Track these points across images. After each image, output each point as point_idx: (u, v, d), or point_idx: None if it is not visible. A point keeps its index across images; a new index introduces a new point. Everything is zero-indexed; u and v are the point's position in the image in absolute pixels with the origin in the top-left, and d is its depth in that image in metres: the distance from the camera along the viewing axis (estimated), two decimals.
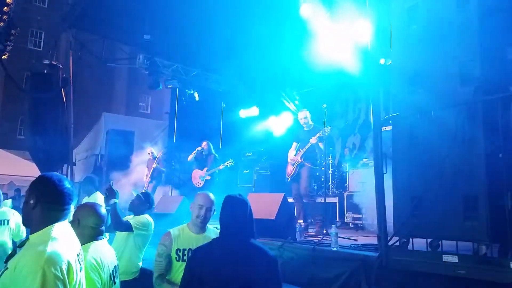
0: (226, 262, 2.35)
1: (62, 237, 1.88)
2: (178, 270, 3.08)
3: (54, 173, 2.07)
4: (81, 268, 1.94)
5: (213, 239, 2.63)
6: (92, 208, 2.81)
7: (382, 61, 5.87)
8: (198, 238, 3.14)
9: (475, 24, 3.66)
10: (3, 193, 11.04)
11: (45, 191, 1.94)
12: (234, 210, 2.58)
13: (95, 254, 2.58)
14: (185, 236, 3.17)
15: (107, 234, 6.45)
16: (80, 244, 2.09)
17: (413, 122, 3.98)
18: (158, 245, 3.22)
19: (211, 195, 3.26)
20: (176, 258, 3.10)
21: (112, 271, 2.71)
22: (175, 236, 3.18)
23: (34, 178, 2.02)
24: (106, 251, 2.75)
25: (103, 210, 2.86)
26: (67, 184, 2.02)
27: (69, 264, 1.80)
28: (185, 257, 3.08)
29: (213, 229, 3.30)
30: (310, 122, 7.06)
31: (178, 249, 3.12)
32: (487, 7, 3.65)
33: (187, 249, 3.10)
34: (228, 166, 8.93)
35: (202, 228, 3.19)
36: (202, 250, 2.52)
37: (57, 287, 1.69)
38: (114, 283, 2.70)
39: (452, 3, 3.83)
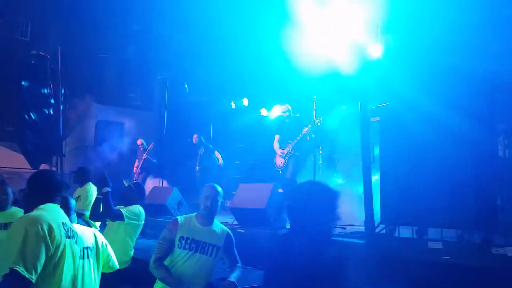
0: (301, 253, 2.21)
1: (47, 209, 2.25)
2: (178, 257, 3.13)
3: (48, 169, 2.33)
4: (66, 235, 2.22)
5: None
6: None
7: (371, 51, 5.90)
8: (203, 230, 3.19)
9: (466, 16, 3.72)
10: None
11: (38, 182, 2.40)
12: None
13: None
14: (192, 225, 3.21)
15: (97, 223, 6.48)
16: (67, 219, 2.40)
17: (401, 113, 4.06)
18: (164, 229, 3.27)
19: (218, 187, 3.29)
20: (178, 245, 3.14)
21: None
22: (182, 223, 3.23)
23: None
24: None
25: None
26: (57, 177, 2.47)
27: (50, 225, 2.11)
28: (187, 246, 3.12)
29: (220, 224, 3.34)
30: (292, 114, 7.18)
31: (181, 237, 3.16)
32: None
33: (190, 238, 3.14)
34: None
35: (209, 219, 3.23)
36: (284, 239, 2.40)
37: (38, 241, 2.03)
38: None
39: None
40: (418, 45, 4.07)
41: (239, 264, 3.20)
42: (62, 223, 2.25)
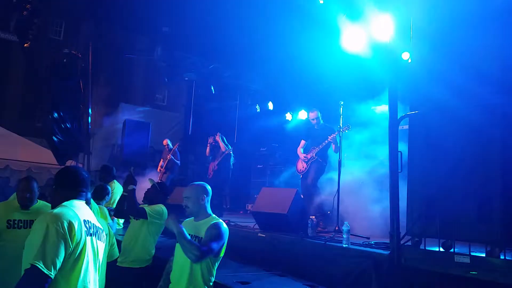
0: None
1: (70, 206, 2.30)
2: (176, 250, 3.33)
3: (73, 165, 2.33)
4: (87, 233, 2.27)
5: None
6: None
7: (404, 56, 5.77)
8: (194, 225, 3.34)
9: (497, 21, 3.61)
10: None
11: (63, 178, 2.46)
12: None
13: None
14: (189, 222, 3.42)
15: (121, 221, 6.54)
16: (93, 216, 2.46)
17: (431, 121, 3.95)
18: None
19: (193, 185, 3.42)
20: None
21: None
22: (183, 223, 3.42)
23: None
24: None
25: None
26: (82, 173, 2.51)
27: (70, 222, 2.17)
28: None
29: (214, 218, 3.34)
30: (321, 122, 7.12)
31: None
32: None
33: None
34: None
35: (197, 216, 3.35)
36: None
37: (58, 239, 2.09)
38: None
39: None
40: (448, 50, 3.97)
41: (204, 248, 3.00)
42: (84, 220, 2.29)
